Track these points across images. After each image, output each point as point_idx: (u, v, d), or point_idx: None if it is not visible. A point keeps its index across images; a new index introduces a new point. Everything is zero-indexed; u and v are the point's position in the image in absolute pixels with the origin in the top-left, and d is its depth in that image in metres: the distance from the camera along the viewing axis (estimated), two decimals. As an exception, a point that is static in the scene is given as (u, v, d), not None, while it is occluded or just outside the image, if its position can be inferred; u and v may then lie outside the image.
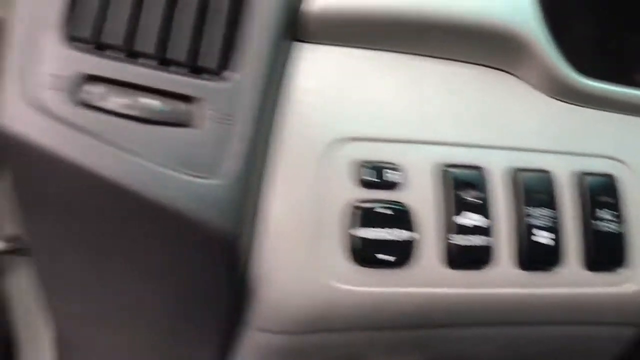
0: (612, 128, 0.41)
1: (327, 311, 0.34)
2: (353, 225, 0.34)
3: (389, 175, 0.35)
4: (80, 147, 0.29)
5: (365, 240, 0.34)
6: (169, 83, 0.31)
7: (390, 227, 0.34)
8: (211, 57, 0.31)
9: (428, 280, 0.35)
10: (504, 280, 0.36)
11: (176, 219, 0.30)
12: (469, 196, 0.36)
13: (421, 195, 0.35)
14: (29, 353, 0.50)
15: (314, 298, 0.34)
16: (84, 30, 0.30)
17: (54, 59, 0.29)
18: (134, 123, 0.30)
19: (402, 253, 0.34)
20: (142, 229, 0.31)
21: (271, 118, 0.33)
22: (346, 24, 0.35)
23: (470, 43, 0.37)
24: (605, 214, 0.38)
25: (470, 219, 0.35)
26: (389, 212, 0.34)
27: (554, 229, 0.37)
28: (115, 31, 0.30)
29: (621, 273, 0.39)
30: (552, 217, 0.37)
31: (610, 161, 0.40)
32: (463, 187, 0.36)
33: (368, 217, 0.34)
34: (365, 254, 0.34)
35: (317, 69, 0.35)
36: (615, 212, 0.38)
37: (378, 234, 0.34)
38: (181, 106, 0.31)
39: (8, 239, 0.44)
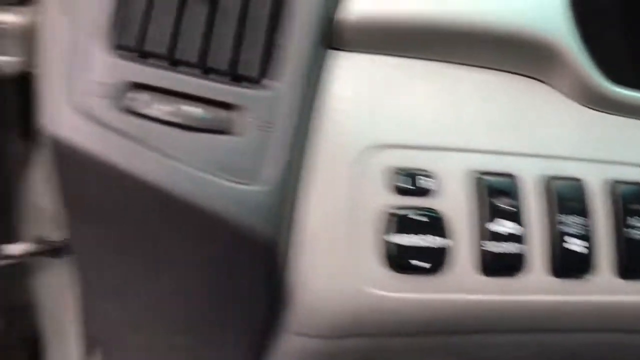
0: (644, 136, 0.41)
1: (362, 316, 0.34)
2: (387, 231, 0.34)
3: (423, 182, 0.35)
4: (125, 153, 0.30)
5: (399, 246, 0.34)
6: (210, 91, 0.31)
7: (424, 233, 0.34)
8: (251, 65, 0.32)
9: (462, 286, 0.35)
10: (536, 288, 0.36)
11: (217, 224, 0.31)
12: (502, 203, 0.36)
13: (455, 202, 0.35)
14: (55, 353, 0.50)
15: (349, 303, 0.34)
16: (129, 38, 0.31)
17: (100, 67, 0.30)
18: (177, 130, 0.30)
19: (436, 259, 0.34)
20: (183, 233, 0.32)
21: (307, 125, 0.34)
22: (381, 32, 0.36)
23: (503, 51, 0.38)
24: (637, 222, 0.38)
25: (503, 226, 0.36)
26: (423, 218, 0.34)
27: (586, 236, 0.37)
28: (158, 40, 0.31)
29: (654, 281, 0.39)
30: (584, 225, 0.37)
31: (643, 169, 0.40)
32: (496, 194, 0.36)
33: (402, 223, 0.34)
34: (399, 260, 0.34)
35: (351, 76, 0.35)
36: (647, 220, 0.39)
37: (412, 240, 0.34)
38: (222, 114, 0.31)
39: (38, 241, 0.45)
